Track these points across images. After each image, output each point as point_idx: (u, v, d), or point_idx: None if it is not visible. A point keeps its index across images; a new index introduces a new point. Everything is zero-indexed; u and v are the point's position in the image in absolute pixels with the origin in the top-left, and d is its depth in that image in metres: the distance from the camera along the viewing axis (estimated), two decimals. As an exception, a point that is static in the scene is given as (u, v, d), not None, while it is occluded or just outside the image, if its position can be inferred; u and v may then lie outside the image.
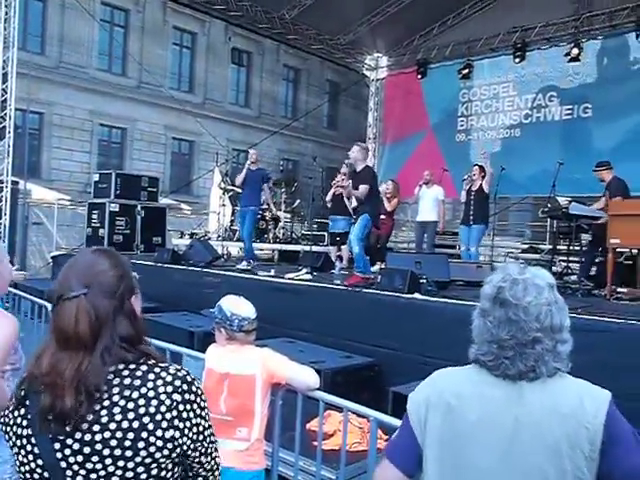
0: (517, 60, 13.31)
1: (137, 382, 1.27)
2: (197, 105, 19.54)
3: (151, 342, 1.42)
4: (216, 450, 1.43)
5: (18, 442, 1.28)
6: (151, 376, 1.29)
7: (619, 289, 6.50)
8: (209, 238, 12.41)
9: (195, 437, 1.32)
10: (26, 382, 1.30)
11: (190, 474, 1.39)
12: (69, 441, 1.24)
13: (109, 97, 17.80)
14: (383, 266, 8.27)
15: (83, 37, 17.28)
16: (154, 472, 1.26)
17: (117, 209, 11.26)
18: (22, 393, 1.29)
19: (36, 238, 12.58)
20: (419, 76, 15.10)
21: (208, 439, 1.37)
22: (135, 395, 1.25)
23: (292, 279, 7.67)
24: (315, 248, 10.56)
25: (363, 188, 7.13)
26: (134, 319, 1.34)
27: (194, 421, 1.31)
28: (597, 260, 7.58)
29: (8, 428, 1.30)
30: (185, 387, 1.30)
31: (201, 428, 1.34)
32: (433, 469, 1.48)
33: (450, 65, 14.62)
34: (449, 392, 1.49)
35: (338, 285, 7.20)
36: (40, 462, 1.25)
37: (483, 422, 1.42)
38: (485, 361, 1.46)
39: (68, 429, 1.23)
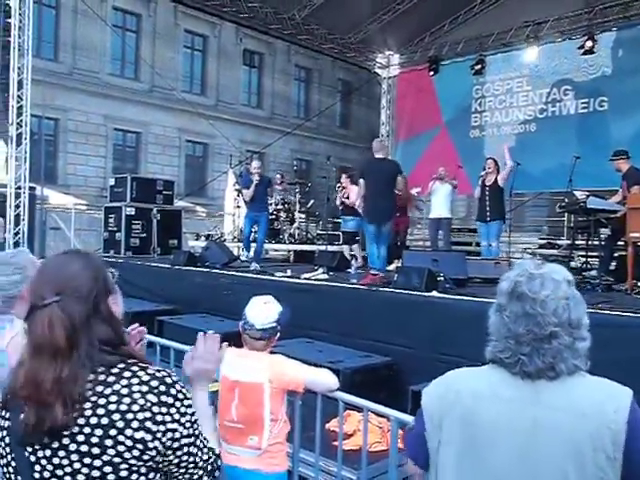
0: (530, 54, 13.19)
1: (111, 379, 1.23)
2: (210, 107, 19.63)
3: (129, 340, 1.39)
4: (197, 467, 1.31)
5: (0, 433, 1.28)
6: (127, 374, 1.25)
7: (640, 283, 6.40)
8: (225, 240, 12.45)
9: (169, 444, 1.24)
10: (6, 395, 1.27)
11: None
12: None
13: (122, 102, 17.96)
14: (400, 264, 8.25)
15: (95, 43, 17.45)
16: (123, 474, 1.20)
17: (133, 213, 11.34)
18: (10, 391, 1.27)
19: (54, 243, 12.71)
20: (431, 73, 15.01)
21: (185, 449, 1.28)
22: (107, 391, 1.22)
23: (308, 279, 7.66)
24: (330, 247, 10.57)
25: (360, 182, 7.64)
26: (111, 321, 1.30)
27: (169, 426, 1.24)
28: (617, 254, 7.48)
29: None
30: (162, 389, 1.24)
31: (177, 435, 1.26)
32: (450, 471, 1.45)
33: (462, 61, 14.53)
34: (466, 392, 1.47)
35: (355, 284, 7.18)
36: (14, 455, 1.24)
37: (501, 424, 1.39)
38: (502, 358, 1.42)
39: (57, 442, 1.20)
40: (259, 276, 8.11)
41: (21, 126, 10.14)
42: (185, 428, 1.27)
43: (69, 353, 1.22)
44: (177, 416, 1.25)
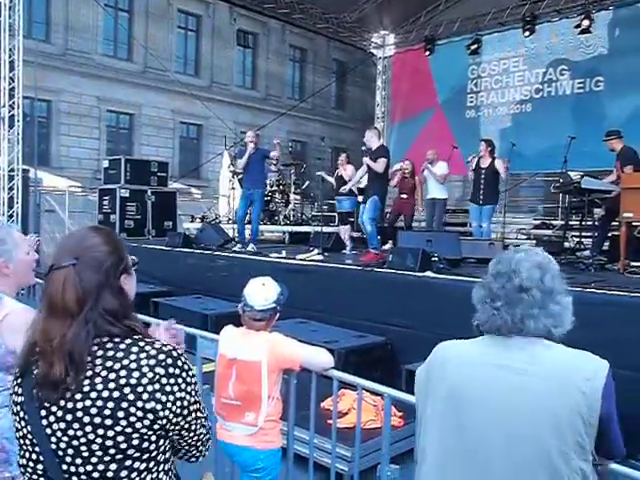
0: (526, 34, 13.06)
1: (120, 354, 1.30)
2: (204, 88, 19.47)
3: (139, 320, 1.44)
4: (202, 427, 1.43)
5: (14, 409, 1.34)
6: (134, 349, 1.32)
7: (633, 263, 6.44)
8: (220, 221, 12.43)
9: (179, 411, 1.33)
10: (26, 350, 1.33)
11: (174, 445, 1.41)
12: (53, 408, 1.28)
13: (116, 83, 17.80)
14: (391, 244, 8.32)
15: (88, 23, 17.24)
16: (135, 442, 1.28)
17: (127, 195, 11.31)
18: (23, 362, 1.34)
19: (49, 225, 12.65)
20: (427, 53, 14.89)
21: (193, 414, 1.38)
22: (117, 366, 1.29)
23: (303, 260, 7.68)
24: (326, 229, 10.56)
25: (381, 162, 7.51)
26: (120, 295, 1.37)
27: (178, 395, 1.33)
28: (610, 234, 7.52)
29: (11, 396, 1.36)
30: (169, 361, 1.33)
31: (185, 403, 1.35)
32: (434, 433, 1.52)
33: (458, 41, 14.40)
34: (449, 358, 1.56)
35: (350, 265, 7.20)
36: (30, 428, 1.30)
37: (479, 388, 1.46)
38: (481, 319, 1.52)
39: (56, 397, 1.27)
40: (254, 257, 8.11)
41: (13, 108, 10.06)
42: (192, 396, 1.37)
43: (77, 315, 1.30)
44: (184, 385, 1.34)
